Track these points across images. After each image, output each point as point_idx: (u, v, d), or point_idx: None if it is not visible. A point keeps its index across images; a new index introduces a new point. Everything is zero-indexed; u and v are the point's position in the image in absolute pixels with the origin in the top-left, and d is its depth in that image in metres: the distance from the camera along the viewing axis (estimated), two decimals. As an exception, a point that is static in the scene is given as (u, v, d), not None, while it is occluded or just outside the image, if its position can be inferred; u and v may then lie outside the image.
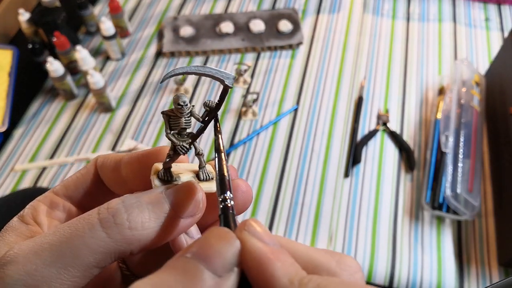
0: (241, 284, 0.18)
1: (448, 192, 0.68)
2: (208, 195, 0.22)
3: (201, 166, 0.23)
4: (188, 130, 0.23)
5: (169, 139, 0.22)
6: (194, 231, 0.24)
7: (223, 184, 0.21)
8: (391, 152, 0.80)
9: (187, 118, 0.22)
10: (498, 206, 0.72)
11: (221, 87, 0.21)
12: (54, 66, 0.80)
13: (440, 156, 0.74)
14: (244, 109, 0.84)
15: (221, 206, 0.20)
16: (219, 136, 0.22)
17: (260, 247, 0.17)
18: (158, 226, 0.21)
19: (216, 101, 0.21)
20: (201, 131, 0.22)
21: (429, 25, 0.99)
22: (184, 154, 0.22)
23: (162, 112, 0.22)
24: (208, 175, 0.23)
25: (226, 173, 0.21)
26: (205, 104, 0.22)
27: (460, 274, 0.67)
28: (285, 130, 0.82)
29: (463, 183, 0.70)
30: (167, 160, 0.22)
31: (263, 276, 0.17)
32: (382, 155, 0.79)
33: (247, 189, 0.23)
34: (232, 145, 0.80)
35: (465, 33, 0.97)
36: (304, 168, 0.78)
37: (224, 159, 0.22)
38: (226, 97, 0.21)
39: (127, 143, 0.81)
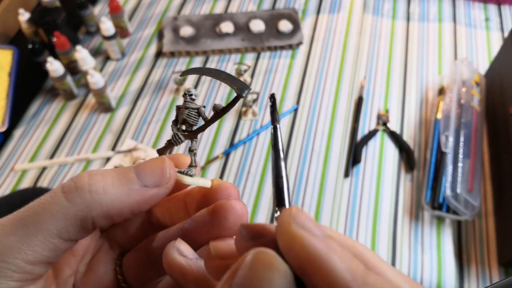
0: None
1: (448, 192, 0.68)
2: (225, 213, 0.22)
3: (191, 165, 0.24)
4: (193, 127, 0.23)
5: (171, 127, 0.23)
6: (188, 251, 0.21)
7: (279, 196, 0.19)
8: (391, 152, 0.80)
9: (191, 112, 0.23)
10: (498, 206, 0.72)
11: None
12: (54, 66, 0.80)
13: (440, 156, 0.74)
14: (244, 109, 0.84)
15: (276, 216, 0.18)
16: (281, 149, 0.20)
17: (314, 242, 0.15)
18: (121, 193, 0.20)
19: (224, 105, 0.22)
20: (200, 128, 0.23)
21: (429, 25, 0.99)
22: (177, 144, 0.23)
23: (177, 106, 0.23)
24: (188, 172, 0.23)
25: (284, 183, 0.19)
26: (213, 107, 0.22)
27: (460, 274, 0.67)
28: (285, 130, 0.82)
29: (463, 183, 0.70)
30: (162, 147, 0.24)
31: (321, 274, 0.15)
32: (382, 155, 0.79)
33: (243, 211, 0.22)
34: (232, 145, 0.80)
35: (465, 33, 0.97)
36: (304, 168, 0.78)
37: (283, 168, 0.19)
38: (236, 104, 0.21)
39: (127, 143, 0.81)
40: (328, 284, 0.15)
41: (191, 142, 0.24)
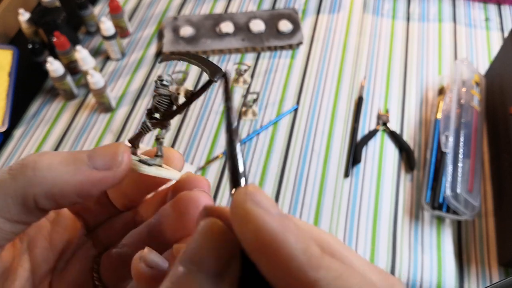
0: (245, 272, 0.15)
1: (448, 192, 0.68)
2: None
3: (156, 155, 0.23)
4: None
5: (145, 115, 0.23)
6: (157, 260, 0.20)
7: (235, 175, 0.17)
8: (391, 152, 0.80)
9: (161, 99, 0.22)
10: (498, 206, 0.72)
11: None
12: (54, 66, 0.80)
13: (440, 156, 0.74)
14: (244, 109, 0.84)
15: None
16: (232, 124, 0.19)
17: (268, 220, 0.14)
18: (66, 171, 0.19)
19: (194, 91, 0.21)
20: (169, 116, 0.22)
21: (429, 25, 0.99)
22: (145, 132, 0.23)
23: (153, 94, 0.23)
24: (149, 161, 0.23)
25: (239, 160, 0.18)
26: (185, 93, 0.22)
27: (460, 274, 0.67)
28: (285, 130, 0.82)
29: (463, 183, 0.70)
30: (133, 136, 0.23)
31: (274, 254, 0.14)
32: (382, 155, 0.79)
33: (207, 204, 0.20)
34: (232, 145, 0.80)
35: (465, 33, 0.97)
36: (304, 168, 0.78)
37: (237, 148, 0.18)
38: (207, 90, 0.20)
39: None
40: (280, 265, 0.14)
41: (161, 130, 0.23)
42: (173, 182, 0.24)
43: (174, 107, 0.22)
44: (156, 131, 0.23)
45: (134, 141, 0.24)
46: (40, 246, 0.23)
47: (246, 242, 0.15)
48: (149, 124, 0.23)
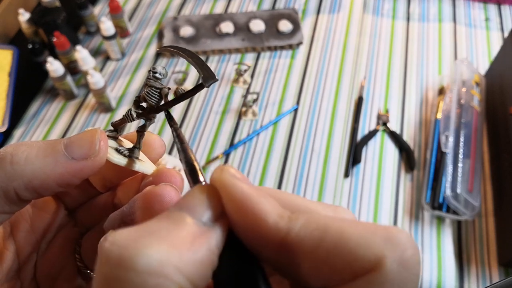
0: (230, 239, 0.16)
1: (448, 192, 0.68)
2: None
3: (134, 146, 0.23)
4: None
5: (133, 102, 0.23)
6: None
7: (194, 174, 0.19)
8: (391, 152, 0.80)
9: (151, 91, 0.22)
10: (498, 206, 0.72)
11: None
12: (54, 66, 0.80)
13: (440, 156, 0.74)
14: (244, 109, 0.84)
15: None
16: (177, 127, 0.21)
17: (243, 186, 0.16)
18: (45, 164, 0.19)
19: (185, 91, 0.21)
20: (154, 110, 0.22)
21: (429, 25, 0.99)
22: (128, 121, 0.23)
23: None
24: (124, 151, 0.22)
25: (195, 163, 0.19)
26: (175, 91, 0.21)
27: (460, 274, 0.67)
28: (285, 130, 0.82)
29: (463, 183, 0.70)
30: (117, 120, 0.23)
31: (250, 216, 0.16)
32: (382, 155, 0.79)
33: (171, 200, 0.21)
34: (232, 145, 0.80)
35: (465, 33, 0.97)
36: (304, 168, 0.78)
37: (189, 149, 0.20)
38: (197, 93, 0.20)
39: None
40: (255, 222, 0.15)
41: (145, 122, 0.23)
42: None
43: (162, 102, 0.22)
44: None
45: (117, 126, 0.23)
46: (22, 230, 0.23)
47: (226, 206, 0.16)
48: (133, 113, 0.22)
